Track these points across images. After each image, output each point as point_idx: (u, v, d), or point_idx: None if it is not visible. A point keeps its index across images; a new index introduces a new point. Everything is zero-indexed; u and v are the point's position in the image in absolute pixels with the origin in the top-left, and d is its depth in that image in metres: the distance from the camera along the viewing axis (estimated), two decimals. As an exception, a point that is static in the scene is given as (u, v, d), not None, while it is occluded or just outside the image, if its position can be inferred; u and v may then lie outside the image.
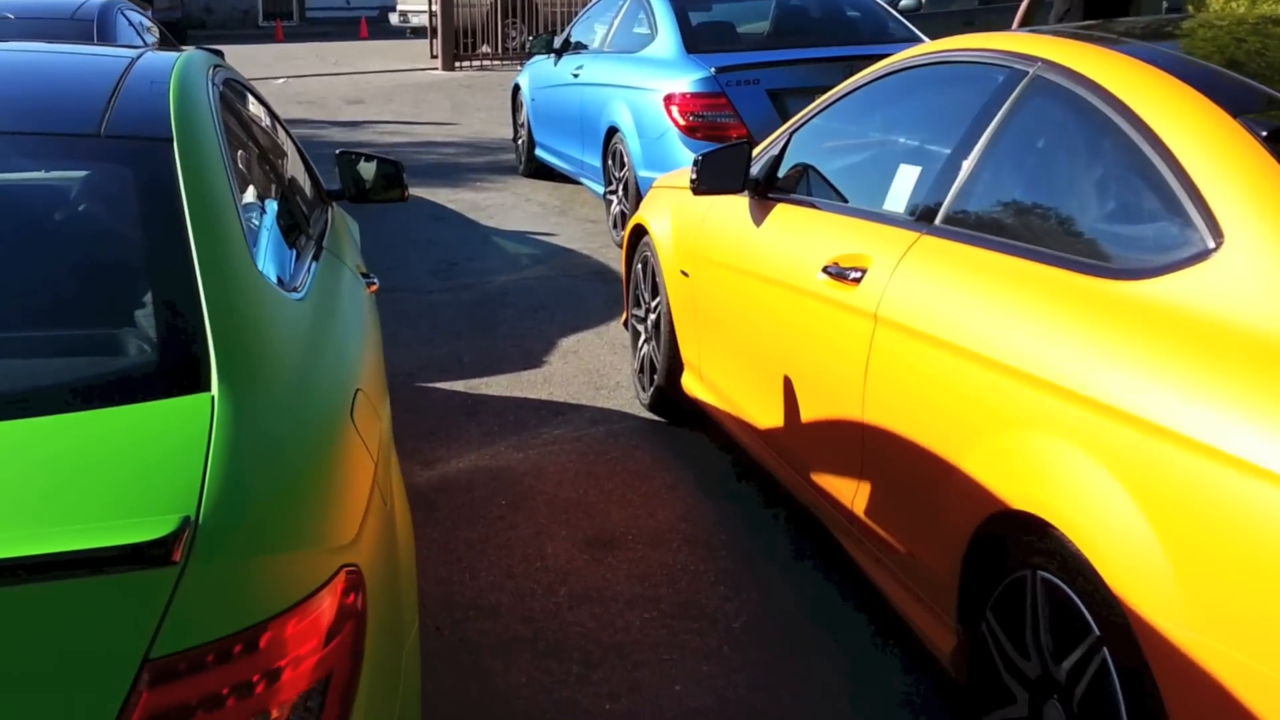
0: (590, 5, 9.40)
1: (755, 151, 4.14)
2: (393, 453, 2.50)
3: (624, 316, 5.49)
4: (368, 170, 3.93)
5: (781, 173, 4.02)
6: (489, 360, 5.76)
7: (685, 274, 4.52)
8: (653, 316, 4.99)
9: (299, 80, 17.57)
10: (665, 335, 4.77)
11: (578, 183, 9.26)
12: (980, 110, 3.11)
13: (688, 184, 4.70)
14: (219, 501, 1.53)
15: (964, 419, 2.69)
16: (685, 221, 4.60)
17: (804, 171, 3.95)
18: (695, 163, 4.00)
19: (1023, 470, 2.45)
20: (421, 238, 8.22)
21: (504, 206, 9.16)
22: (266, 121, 3.59)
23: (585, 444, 4.75)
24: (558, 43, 9.34)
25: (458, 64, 18.78)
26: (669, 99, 6.97)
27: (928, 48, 3.57)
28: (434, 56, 19.32)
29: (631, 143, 7.35)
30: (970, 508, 2.60)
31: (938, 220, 3.07)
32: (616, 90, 7.69)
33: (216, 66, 3.03)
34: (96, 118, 2.35)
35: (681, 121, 6.91)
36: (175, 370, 1.80)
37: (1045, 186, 2.92)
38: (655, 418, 5.01)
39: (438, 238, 8.21)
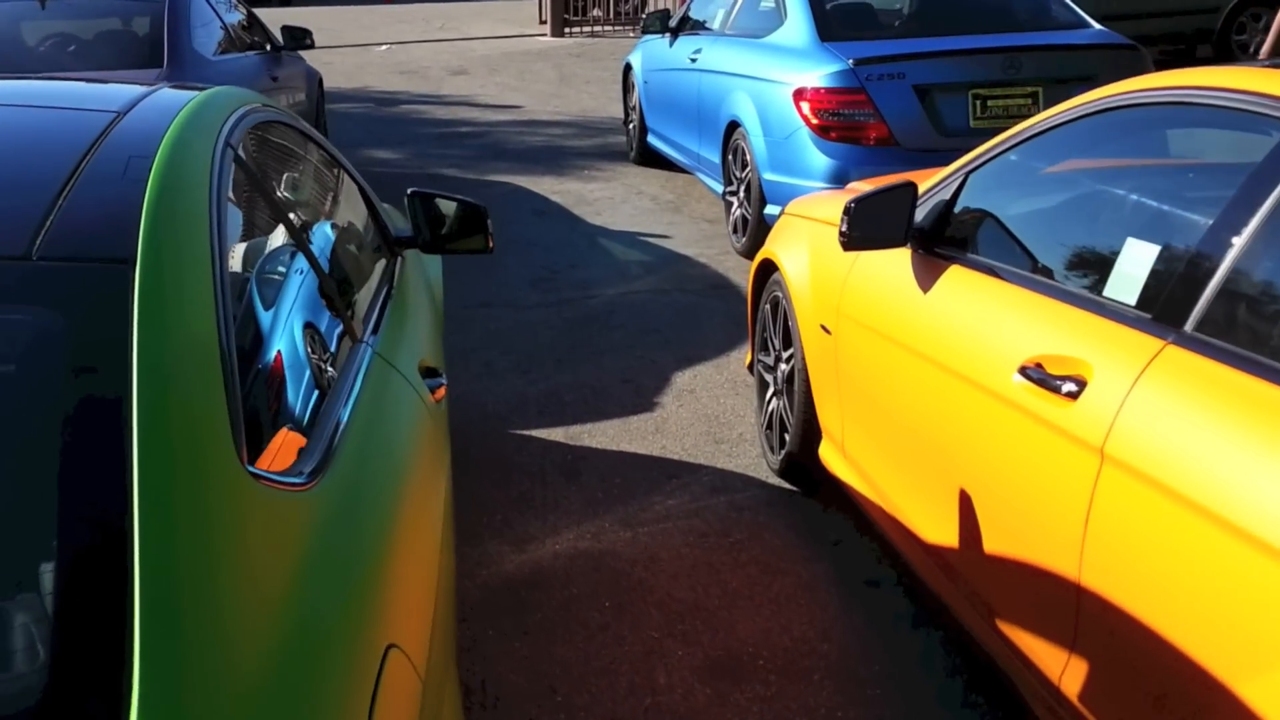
0: (709, -20, 8.60)
1: (921, 189, 3.37)
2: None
3: (748, 358, 4.77)
4: (444, 213, 3.25)
5: (955, 223, 3.26)
6: (593, 400, 5.08)
7: (826, 330, 3.77)
8: (784, 368, 4.26)
9: (402, 47, 17.02)
10: (800, 396, 4.03)
11: (693, 173, 8.52)
12: (1255, 174, 2.32)
13: (828, 218, 3.97)
14: None
15: (1250, 631, 1.93)
16: (827, 265, 3.86)
17: (985, 225, 3.18)
18: (846, 211, 3.25)
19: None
20: (522, 237, 7.56)
21: (612, 201, 8.45)
22: (314, 170, 2.92)
23: (704, 521, 4.04)
24: (674, 21, 8.57)
25: (567, 29, 18.06)
26: (799, 94, 6.19)
27: (1156, 80, 2.77)
28: (543, 21, 18.63)
29: (755, 141, 6.59)
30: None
31: (1190, 324, 2.29)
32: (739, 80, 6.91)
33: (246, 112, 2.36)
34: (30, 228, 1.60)
35: (814, 120, 6.12)
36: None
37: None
38: (785, 485, 4.29)
39: (539, 237, 7.54)
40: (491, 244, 3.30)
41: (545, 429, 4.80)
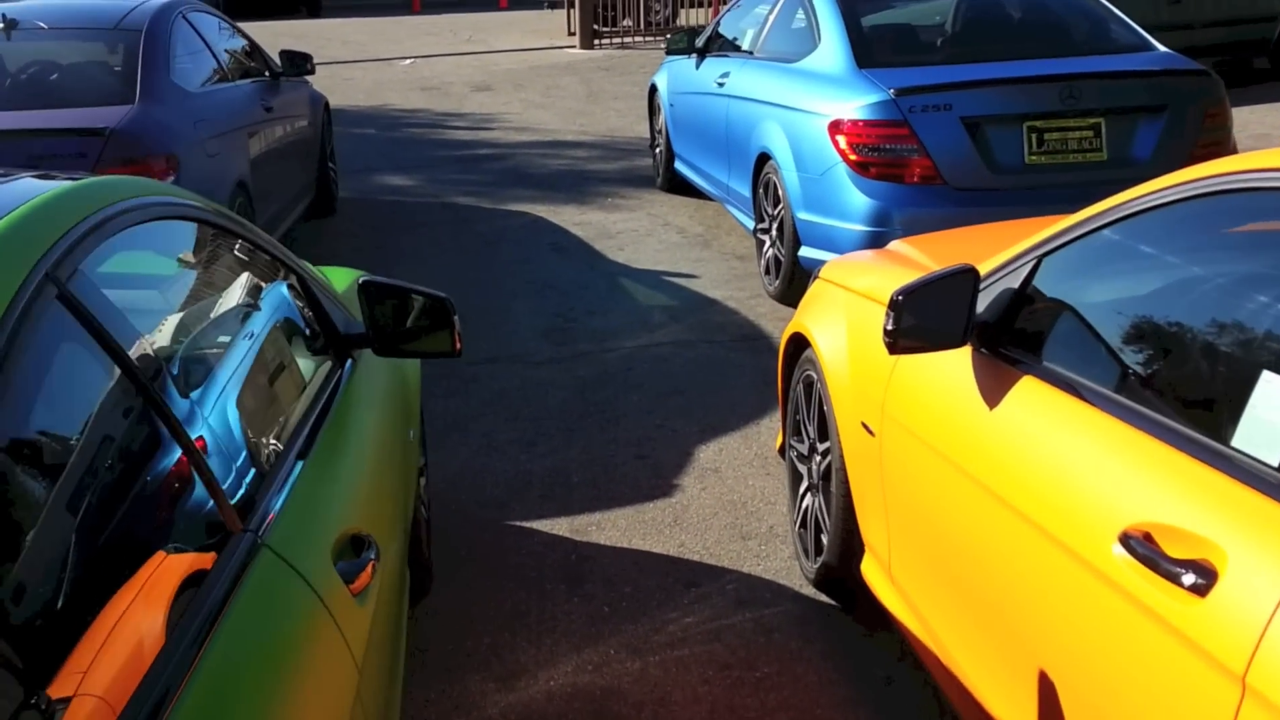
0: (739, -3, 8.02)
1: (984, 271, 2.78)
2: None
3: (779, 440, 4.18)
4: (401, 308, 2.69)
5: (1026, 318, 2.66)
6: (605, 481, 4.51)
7: (869, 430, 3.18)
8: (819, 461, 3.67)
9: (426, 61, 16.53)
10: (838, 501, 3.45)
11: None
12: None
13: (870, 290, 3.39)
14: None
15: None
16: (869, 350, 3.27)
17: (1067, 325, 2.59)
18: (893, 305, 2.67)
19: None
20: (536, 277, 7.00)
21: (637, 234, 7.87)
22: (215, 275, 2.36)
23: (727, 647, 3.46)
24: (700, 41, 7.98)
25: (597, 41, 17.50)
26: (835, 126, 5.59)
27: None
28: (571, 33, 18.08)
29: (788, 176, 5.99)
30: None
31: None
32: (770, 109, 6.32)
33: (120, 213, 1.81)
34: None
35: (851, 155, 5.52)
36: None
37: None
38: (822, 598, 3.70)
39: (555, 278, 6.98)
40: (459, 345, 2.74)
41: (548, 520, 4.23)
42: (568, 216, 8.35)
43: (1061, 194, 5.45)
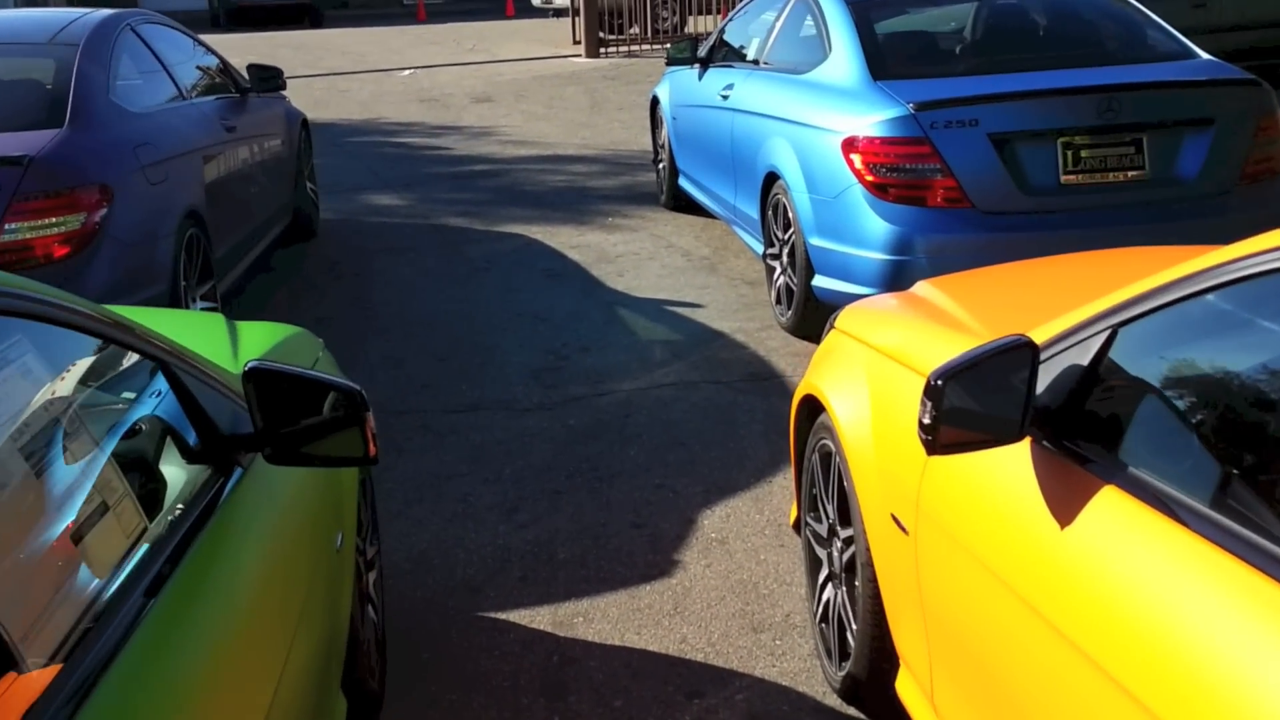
0: (744, 3, 7.45)
1: (1040, 340, 2.22)
2: None
3: (793, 514, 3.62)
4: (302, 402, 2.14)
5: (1099, 402, 2.10)
6: (595, 557, 3.95)
7: (901, 525, 2.62)
8: (841, 548, 3.11)
9: (427, 72, 16.01)
10: (865, 604, 2.88)
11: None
12: None
13: (896, 349, 2.84)
14: None
15: None
16: (898, 427, 2.71)
17: (1157, 415, 2.02)
18: (930, 392, 2.11)
19: None
20: (527, 308, 6.44)
21: (638, 257, 7.31)
22: (48, 382, 1.82)
23: (731, 778, 2.90)
24: (703, 50, 7.41)
25: (603, 50, 16.95)
26: (850, 144, 5.02)
27: None
28: (576, 41, 17.54)
29: (799, 198, 5.43)
30: None
31: None
32: (777, 124, 5.76)
33: None
34: None
35: (868, 175, 4.96)
36: None
37: None
38: (849, 711, 3.13)
39: (548, 309, 6.42)
40: (374, 450, 2.18)
41: (528, 609, 3.67)
42: (564, 238, 7.80)
43: (1100, 217, 4.89)
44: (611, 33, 17.36)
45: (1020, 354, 2.10)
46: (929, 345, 2.75)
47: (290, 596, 2.21)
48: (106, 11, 5.62)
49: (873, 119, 4.98)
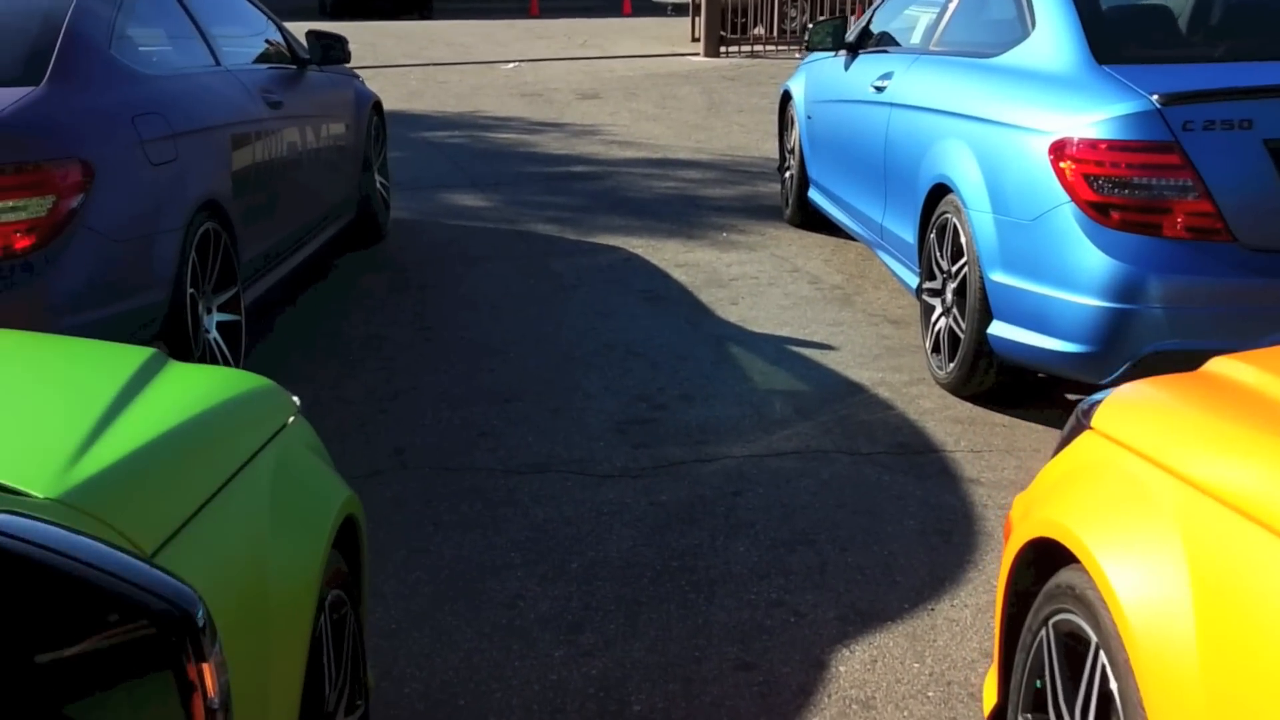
0: (905, -25, 6.16)
1: None
2: None
3: (990, 699, 2.35)
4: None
5: None
6: (684, 710, 2.76)
7: None
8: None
9: (533, 66, 14.94)
10: None
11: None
12: None
13: (1238, 486, 1.55)
14: None
15: None
16: (1270, 637, 1.43)
17: None
18: None
19: None
20: (619, 339, 5.24)
21: (756, 282, 6.07)
22: None
23: None
24: (852, 34, 6.14)
25: (723, 49, 15.74)
26: (1061, 149, 3.74)
27: None
28: (695, 39, 16.35)
29: (977, 219, 4.14)
30: None
31: None
32: (953, 122, 4.47)
33: None
34: None
35: (1085, 192, 3.67)
36: None
37: None
38: None
39: (644, 342, 5.21)
40: None
41: (579, 807, 2.45)
42: (669, 255, 6.58)
43: None
44: (733, 32, 16.13)
45: None
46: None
47: None
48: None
49: (1097, 115, 3.68)
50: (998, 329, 4.08)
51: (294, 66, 5.79)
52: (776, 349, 5.10)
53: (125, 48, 4.22)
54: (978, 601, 3.17)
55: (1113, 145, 3.62)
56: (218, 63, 4.96)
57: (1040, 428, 4.23)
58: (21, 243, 3.58)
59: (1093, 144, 3.65)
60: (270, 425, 2.15)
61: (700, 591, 3.25)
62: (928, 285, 4.69)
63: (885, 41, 5.83)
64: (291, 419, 2.26)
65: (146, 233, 3.95)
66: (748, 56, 15.71)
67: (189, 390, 2.10)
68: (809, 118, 6.62)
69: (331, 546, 2.15)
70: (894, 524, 3.60)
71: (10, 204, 3.55)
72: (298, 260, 5.50)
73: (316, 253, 5.84)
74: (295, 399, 2.38)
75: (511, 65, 14.92)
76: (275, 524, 1.96)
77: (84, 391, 1.95)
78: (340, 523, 2.19)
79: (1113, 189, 3.63)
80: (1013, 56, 4.31)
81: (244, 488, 1.92)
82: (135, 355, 2.21)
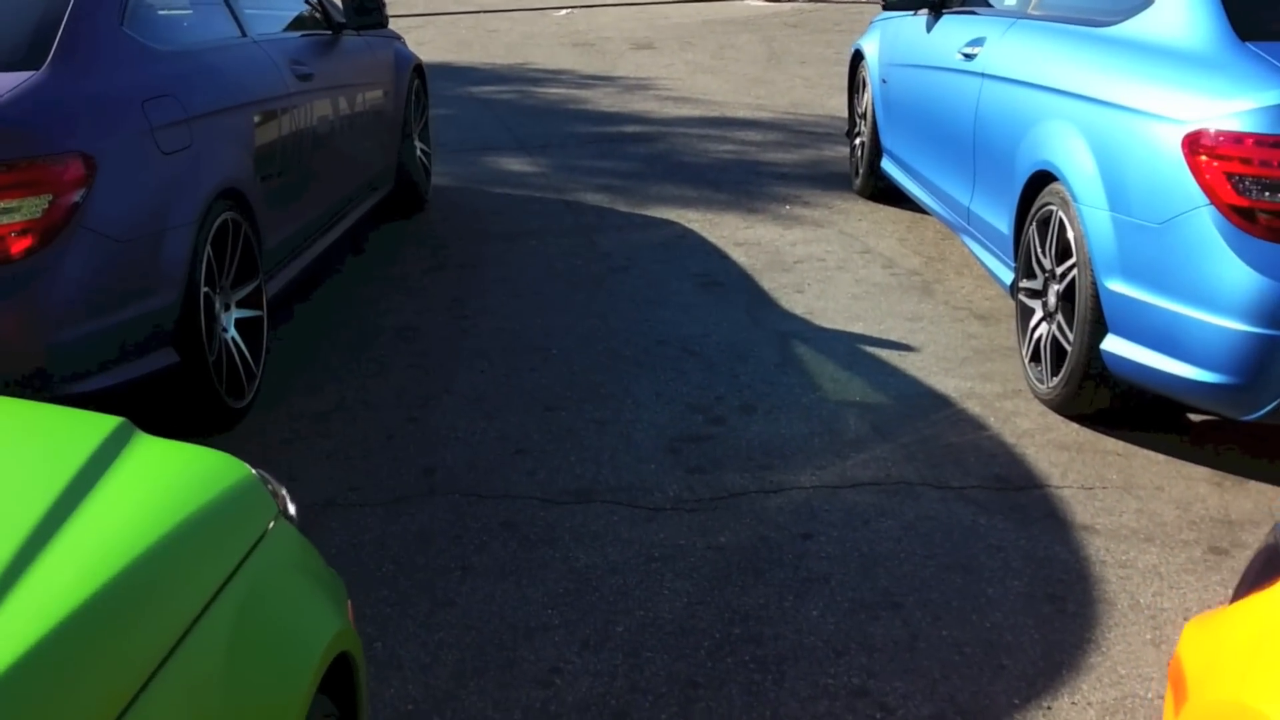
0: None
1: None
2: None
3: None
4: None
5: None
6: None
7: None
8: None
9: (585, 12, 14.34)
10: None
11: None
12: None
13: None
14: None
15: None
16: None
17: None
18: None
19: None
20: (672, 334, 4.74)
21: (824, 265, 5.53)
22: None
23: None
24: (935, -10, 5.54)
25: (784, -7, 15.05)
26: (1197, 141, 3.17)
27: None
28: (755, -18, 15.65)
29: (1090, 215, 3.59)
30: None
31: None
32: (1061, 100, 3.91)
33: None
34: None
35: (1228, 193, 3.11)
36: None
37: None
38: None
39: (700, 335, 4.71)
40: None
41: None
42: (727, 230, 6.06)
43: None
44: (796, -23, 15.40)
45: None
46: None
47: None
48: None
49: (1243, 103, 3.11)
50: (1113, 345, 3.53)
51: (329, 32, 5.31)
52: (848, 349, 4.57)
53: (140, 21, 3.76)
54: (1103, 698, 2.66)
55: (1261, 140, 3.05)
56: (243, 33, 4.48)
57: (1161, 458, 3.67)
58: (17, 246, 3.18)
59: (1237, 137, 3.08)
60: (242, 542, 1.70)
61: (767, 671, 2.77)
62: (1025, 284, 4.14)
63: (974, 1, 5.22)
64: (272, 524, 1.80)
65: (155, 230, 3.52)
66: (810, 0, 15.01)
67: (141, 503, 1.65)
68: (884, 81, 6.04)
69: (318, 692, 1.70)
70: (995, 585, 3.09)
71: (2, 205, 3.13)
72: (329, 241, 5.05)
73: (355, 228, 5.39)
74: (281, 493, 1.93)
75: (564, 12, 14.33)
76: (236, 682, 1.51)
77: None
78: (329, 663, 1.74)
79: (1262, 192, 3.06)
80: (1133, 26, 3.72)
81: (199, 644, 1.47)
82: (82, 443, 1.76)
